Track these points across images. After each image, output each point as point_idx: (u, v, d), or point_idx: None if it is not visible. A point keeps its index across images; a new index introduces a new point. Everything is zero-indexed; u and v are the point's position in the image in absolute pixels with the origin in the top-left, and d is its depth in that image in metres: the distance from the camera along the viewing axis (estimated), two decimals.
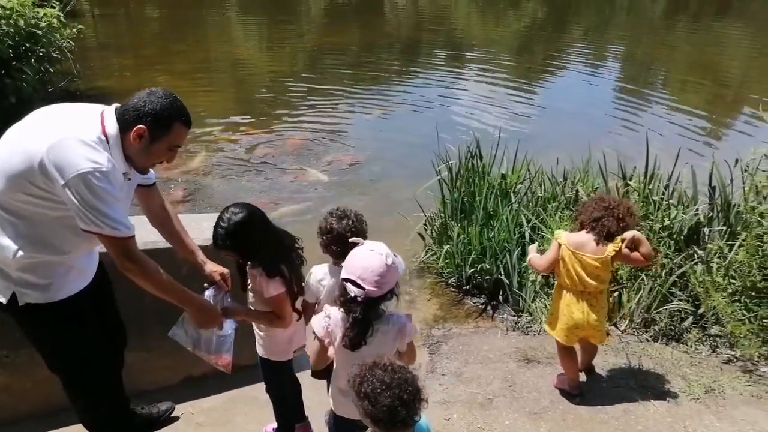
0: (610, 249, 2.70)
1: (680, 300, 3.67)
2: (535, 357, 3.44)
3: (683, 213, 3.98)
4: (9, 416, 2.86)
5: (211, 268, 2.47)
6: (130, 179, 2.15)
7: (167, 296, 2.15)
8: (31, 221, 2.01)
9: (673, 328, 3.66)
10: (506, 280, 4.07)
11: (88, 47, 11.17)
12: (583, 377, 3.16)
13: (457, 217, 4.51)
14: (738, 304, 3.46)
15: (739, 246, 3.58)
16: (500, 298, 4.19)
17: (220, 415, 3.07)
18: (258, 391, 2.85)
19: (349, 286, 1.94)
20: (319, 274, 2.50)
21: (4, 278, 2.09)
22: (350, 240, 2.14)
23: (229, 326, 2.42)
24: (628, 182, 4.32)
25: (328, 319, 2.05)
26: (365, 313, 1.95)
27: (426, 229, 4.85)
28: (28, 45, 6.99)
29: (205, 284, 2.45)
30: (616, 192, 4.16)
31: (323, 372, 2.60)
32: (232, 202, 2.34)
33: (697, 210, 3.96)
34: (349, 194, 6.00)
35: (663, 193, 4.20)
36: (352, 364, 1.78)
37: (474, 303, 4.23)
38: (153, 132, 2.01)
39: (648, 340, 3.60)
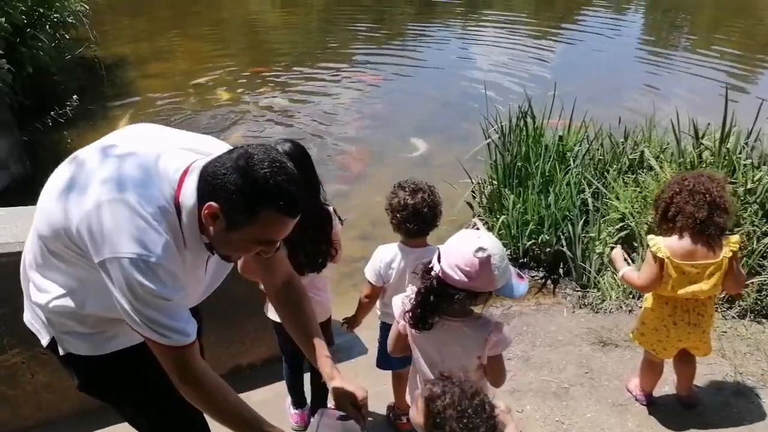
0: (727, 251, 2.26)
1: None
2: (611, 339, 3.13)
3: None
4: (51, 415, 2.67)
5: (341, 385, 1.66)
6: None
7: (231, 428, 1.56)
8: (74, 274, 1.50)
9: (760, 302, 3.31)
10: (569, 252, 3.74)
11: (101, 11, 10.77)
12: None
13: (511, 183, 4.15)
14: None
15: None
16: (560, 271, 3.87)
17: (271, 409, 2.79)
18: (307, 382, 2.61)
19: (435, 256, 1.70)
20: (387, 256, 2.24)
21: (42, 322, 1.62)
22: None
23: None
24: (701, 141, 3.91)
25: (408, 298, 1.79)
26: (431, 290, 1.69)
27: (474, 197, 4.51)
28: (41, 10, 6.65)
29: (321, 409, 1.88)
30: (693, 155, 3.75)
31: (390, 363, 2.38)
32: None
33: None
34: (385, 162, 5.65)
35: (741, 152, 3.80)
36: (428, 362, 1.73)
37: (533, 277, 3.91)
38: (230, 215, 1.36)
39: (734, 317, 3.26)
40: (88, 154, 1.49)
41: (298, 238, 2.10)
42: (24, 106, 5.69)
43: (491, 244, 1.64)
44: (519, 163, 4.15)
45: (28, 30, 6.33)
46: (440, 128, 6.25)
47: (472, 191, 4.50)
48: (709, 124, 4.01)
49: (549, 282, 3.84)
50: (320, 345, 1.74)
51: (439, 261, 1.69)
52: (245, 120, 6.44)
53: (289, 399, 2.75)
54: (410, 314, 1.77)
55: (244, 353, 3.07)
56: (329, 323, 2.51)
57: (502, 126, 4.37)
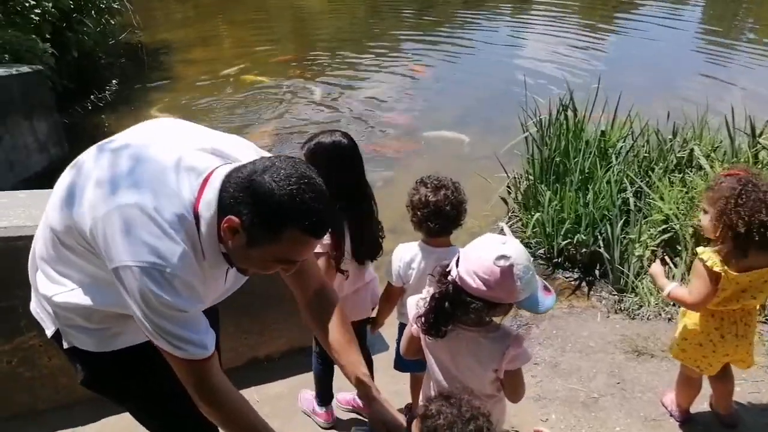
0: None
1: None
2: (646, 348, 2.94)
3: None
4: (68, 399, 2.68)
5: (380, 410, 1.58)
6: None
7: None
8: (86, 269, 1.42)
9: None
10: (606, 254, 3.54)
11: None
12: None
13: (548, 179, 3.97)
14: None
15: None
16: (596, 273, 3.68)
17: (288, 403, 2.77)
18: None
19: (454, 259, 1.59)
20: (407, 255, 2.13)
21: (47, 313, 1.56)
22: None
23: None
24: (759, 139, 3.64)
25: (423, 301, 1.69)
26: (446, 296, 1.58)
27: (509, 193, 4.34)
28: None
29: (356, 427, 1.84)
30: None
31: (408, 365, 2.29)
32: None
33: None
34: (416, 153, 5.52)
35: None
36: (442, 370, 1.65)
37: (566, 278, 3.73)
38: (250, 232, 1.27)
39: None
40: (103, 151, 1.41)
41: (356, 226, 2.05)
42: (67, 90, 5.82)
43: (516, 252, 1.50)
44: (557, 159, 3.96)
45: (75, 15, 6.46)
46: (481, 120, 6.08)
47: (508, 186, 4.33)
48: (766, 121, 3.73)
49: (583, 284, 3.65)
50: (357, 362, 1.63)
51: (457, 265, 1.57)
52: (285, 107, 6.40)
53: (309, 393, 2.68)
54: (423, 319, 1.66)
55: (262, 345, 3.02)
56: (365, 323, 2.42)
57: (541, 119, 4.18)
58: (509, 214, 4.25)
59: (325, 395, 2.61)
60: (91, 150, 1.43)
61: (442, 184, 2.02)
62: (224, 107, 6.30)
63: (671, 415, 2.54)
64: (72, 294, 1.46)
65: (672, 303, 3.25)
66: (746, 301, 2.11)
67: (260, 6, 11.09)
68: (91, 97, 5.64)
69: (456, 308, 1.59)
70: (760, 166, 3.49)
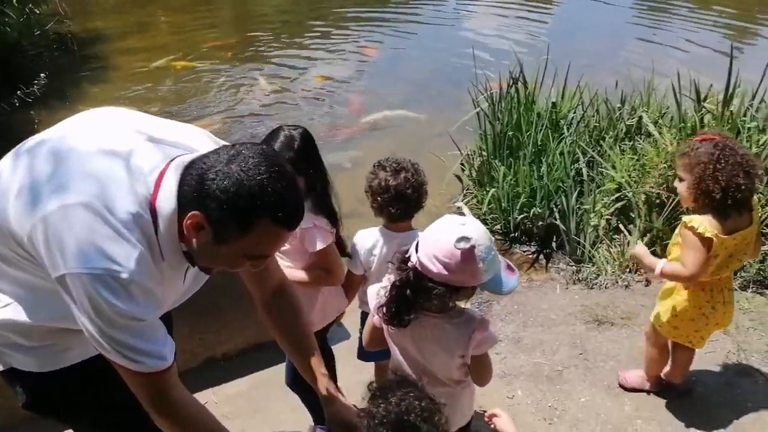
0: (755, 216, 2.07)
1: None
2: (606, 317, 2.96)
3: None
4: (7, 422, 2.49)
5: (338, 411, 1.53)
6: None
7: None
8: (23, 280, 1.29)
9: (762, 272, 3.13)
10: (562, 226, 3.54)
11: None
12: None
13: (501, 154, 3.93)
14: None
15: None
16: (553, 245, 3.68)
17: (247, 402, 2.66)
18: None
19: (413, 244, 1.53)
20: (368, 242, 2.06)
21: None
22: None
23: None
24: (704, 104, 3.68)
25: (384, 290, 1.62)
26: (407, 283, 1.51)
27: (463, 170, 4.29)
28: None
29: (312, 425, 1.77)
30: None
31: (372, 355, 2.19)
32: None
33: None
34: (369, 134, 5.40)
35: (745, 115, 3.58)
36: (407, 360, 1.62)
37: (524, 252, 3.72)
38: (218, 228, 1.17)
39: (736, 289, 3.08)
40: (40, 144, 1.26)
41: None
42: None
43: (476, 233, 1.45)
44: (510, 133, 3.92)
45: None
46: (432, 97, 5.97)
47: (461, 163, 4.28)
48: (711, 85, 3.78)
49: (541, 257, 3.65)
50: (318, 362, 1.58)
51: (417, 251, 1.50)
52: (231, 94, 6.14)
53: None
54: (384, 309, 1.59)
55: (219, 344, 2.89)
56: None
57: (491, 93, 4.13)
58: (464, 191, 4.20)
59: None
60: (24, 146, 1.28)
61: (402, 166, 1.94)
62: (165, 97, 6.01)
63: (644, 391, 2.48)
64: (5, 310, 1.31)
65: (628, 269, 3.28)
66: (733, 266, 2.12)
67: None
68: (18, 92, 5.28)
69: (418, 295, 1.52)
70: (706, 130, 3.53)
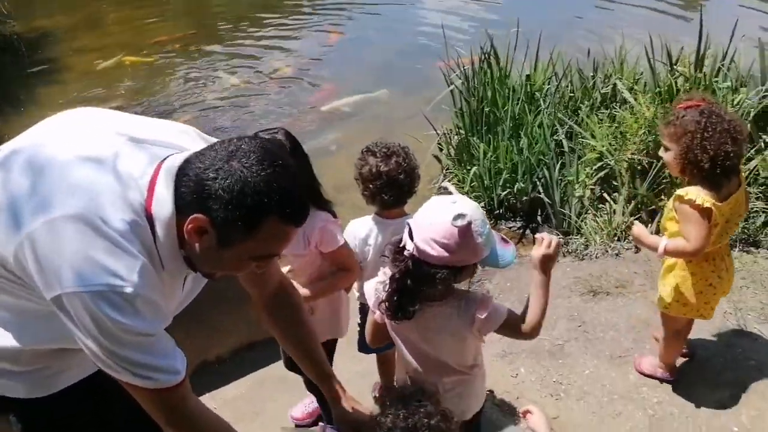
0: (743, 178, 2.07)
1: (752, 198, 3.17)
2: (601, 287, 2.95)
3: (747, 98, 3.40)
4: None
5: (346, 410, 1.50)
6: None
7: None
8: (8, 303, 1.20)
9: (746, 230, 3.18)
10: (546, 199, 3.52)
11: None
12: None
13: (479, 131, 3.89)
14: None
15: None
16: (539, 219, 3.67)
17: (247, 404, 2.59)
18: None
19: (406, 232, 1.47)
20: (361, 231, 1.99)
21: None
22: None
23: None
24: (676, 67, 3.69)
25: (383, 285, 1.56)
26: (407, 273, 1.47)
27: (441, 150, 4.23)
28: None
29: (321, 424, 1.73)
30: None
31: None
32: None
33: (764, 91, 3.37)
34: (339, 121, 5.28)
35: (717, 76, 3.60)
36: (414, 353, 1.58)
37: (510, 228, 3.70)
38: (223, 230, 1.08)
39: None
40: (12, 155, 1.14)
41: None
42: None
43: (470, 208, 1.42)
44: (486, 109, 3.87)
45: None
46: (399, 79, 5.88)
47: (438, 143, 4.22)
48: (682, 48, 3.79)
49: (528, 232, 3.64)
50: (323, 362, 1.56)
51: (411, 237, 1.44)
52: (196, 90, 5.91)
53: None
54: (386, 304, 1.53)
55: (211, 347, 2.80)
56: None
57: (465, 70, 4.06)
58: (444, 171, 4.15)
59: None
60: (4, 147, 1.18)
61: (392, 150, 1.87)
62: (123, 95, 5.78)
63: (661, 380, 2.40)
64: None
65: (617, 238, 3.28)
66: (732, 231, 2.09)
67: None
68: None
69: (420, 283, 1.47)
70: (681, 93, 3.54)
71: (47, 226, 1.04)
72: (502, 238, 1.54)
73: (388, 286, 1.52)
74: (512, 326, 1.58)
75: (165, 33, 7.27)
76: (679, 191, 1.98)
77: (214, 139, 1.28)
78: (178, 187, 1.09)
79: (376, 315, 1.65)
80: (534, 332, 1.59)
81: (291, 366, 2.07)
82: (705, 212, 1.91)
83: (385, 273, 1.57)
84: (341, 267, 1.93)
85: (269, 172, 1.06)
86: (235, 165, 1.05)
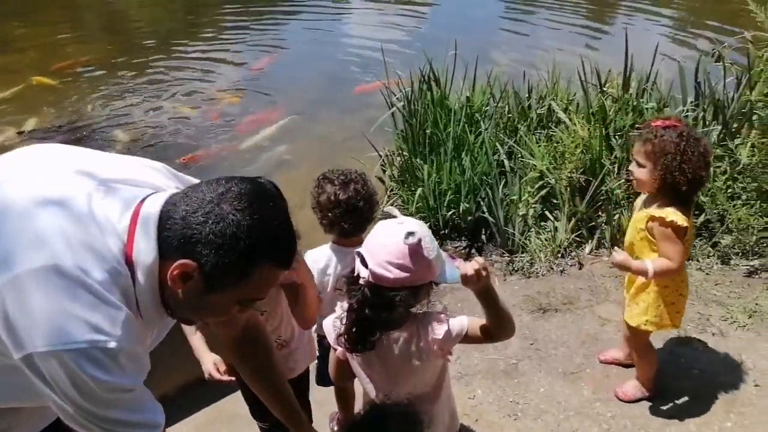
0: None
1: None
2: (549, 305, 3.01)
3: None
4: None
5: None
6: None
7: None
8: None
9: None
10: (491, 218, 3.58)
11: None
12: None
13: (422, 152, 3.92)
14: (750, 208, 3.16)
15: (744, 145, 3.26)
16: (483, 238, 3.72)
17: None
18: (238, 404, 2.24)
19: (357, 261, 1.45)
20: (320, 261, 1.93)
21: None
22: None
23: None
24: (604, 88, 3.87)
25: (340, 319, 1.55)
26: (365, 302, 1.44)
27: (384, 171, 4.24)
28: None
29: None
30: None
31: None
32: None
33: (686, 111, 3.59)
34: (280, 144, 5.19)
35: (643, 97, 3.81)
36: (377, 387, 1.54)
37: (455, 248, 3.73)
38: (211, 276, 1.02)
39: None
40: None
41: None
42: None
43: (417, 226, 1.42)
44: (428, 130, 3.92)
45: None
46: (333, 102, 5.86)
47: (382, 165, 4.22)
48: (609, 70, 3.99)
49: (473, 251, 3.68)
50: (293, 401, 1.51)
51: (365, 265, 1.42)
52: (121, 117, 5.62)
53: None
54: (345, 337, 1.50)
55: (156, 384, 2.61)
56: None
57: (405, 92, 4.10)
58: (388, 192, 4.15)
59: None
60: None
61: (350, 178, 1.84)
62: (44, 122, 5.41)
63: (646, 399, 2.40)
64: None
65: (560, 255, 3.37)
66: (692, 241, 2.16)
67: (66, 3, 9.79)
68: None
69: (380, 310, 1.44)
70: (611, 114, 3.71)
71: (21, 279, 0.94)
72: (450, 255, 1.54)
73: (345, 319, 1.50)
74: (480, 331, 1.58)
75: (81, 54, 6.95)
76: (657, 212, 1.99)
77: (187, 177, 1.22)
78: (162, 230, 1.02)
79: (338, 351, 1.61)
80: (509, 331, 1.61)
81: (260, 415, 1.96)
82: (682, 231, 1.97)
83: (341, 307, 1.55)
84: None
85: (262, 215, 1.01)
86: (226, 208, 1.00)
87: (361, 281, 1.43)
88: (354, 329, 1.48)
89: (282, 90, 6.18)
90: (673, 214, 1.96)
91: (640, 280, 2.14)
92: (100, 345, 0.96)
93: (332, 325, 1.57)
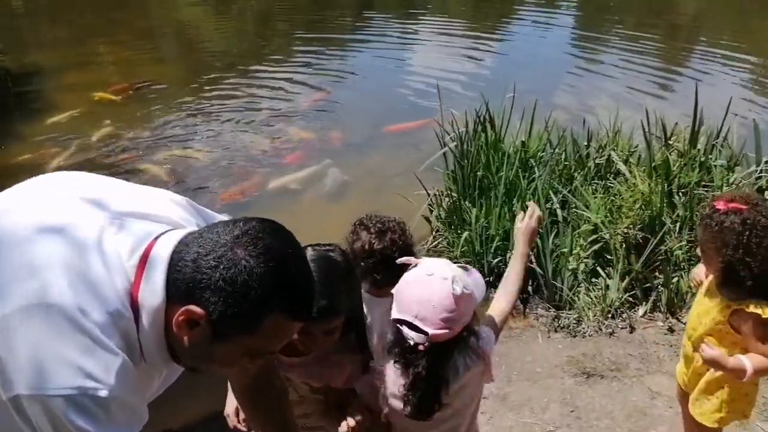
0: None
1: None
2: (595, 369, 2.81)
3: (742, 178, 3.37)
4: None
5: None
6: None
7: None
8: None
9: None
10: (539, 269, 3.41)
11: (14, 14, 9.89)
12: None
13: (472, 195, 3.80)
14: None
15: None
16: (530, 289, 3.54)
17: None
18: None
19: (404, 330, 1.36)
20: None
21: None
22: (398, 261, 1.49)
23: None
24: (669, 141, 3.68)
25: (380, 383, 1.51)
26: (433, 365, 1.38)
27: (431, 211, 4.14)
28: None
29: None
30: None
31: None
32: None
33: (759, 171, 3.35)
34: (326, 178, 5.12)
35: (711, 153, 3.59)
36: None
37: None
38: (219, 324, 0.95)
39: None
40: None
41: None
42: None
43: (447, 268, 1.38)
44: (479, 173, 3.81)
45: None
46: (385, 137, 5.83)
47: (429, 204, 4.12)
48: (676, 123, 3.79)
49: (518, 303, 3.50)
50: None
51: (416, 330, 1.33)
52: (183, 138, 5.77)
53: None
54: (410, 406, 1.41)
55: (176, 414, 2.59)
56: None
57: (459, 133, 4.02)
58: (433, 233, 4.04)
59: None
60: None
61: (387, 227, 1.73)
62: (118, 141, 5.59)
63: None
64: None
65: (611, 315, 3.16)
66: None
67: (144, 27, 10.31)
68: None
69: (446, 371, 1.40)
70: (675, 169, 3.51)
71: (14, 317, 0.90)
72: (462, 266, 1.48)
73: (410, 388, 1.41)
74: (494, 312, 1.60)
75: (151, 75, 7.23)
76: (754, 309, 1.69)
77: (210, 212, 1.17)
78: (171, 272, 0.96)
79: (381, 414, 1.52)
80: (514, 301, 1.66)
81: None
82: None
83: (394, 371, 1.45)
84: None
85: (278, 263, 0.95)
86: (240, 253, 0.93)
87: (421, 348, 1.34)
88: (426, 396, 1.40)
89: (339, 120, 6.21)
90: (765, 306, 1.68)
91: (712, 371, 1.86)
92: (90, 392, 0.90)
93: (368, 385, 1.53)
